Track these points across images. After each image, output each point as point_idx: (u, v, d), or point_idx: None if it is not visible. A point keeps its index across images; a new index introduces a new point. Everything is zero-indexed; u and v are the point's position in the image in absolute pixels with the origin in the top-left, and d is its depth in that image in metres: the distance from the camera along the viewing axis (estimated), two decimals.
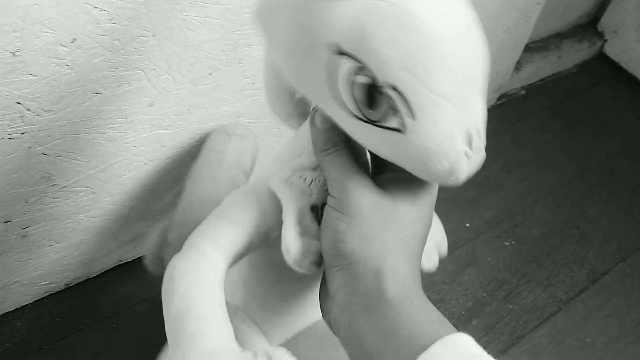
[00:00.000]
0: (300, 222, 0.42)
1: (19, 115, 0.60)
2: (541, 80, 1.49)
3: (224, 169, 0.70)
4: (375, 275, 0.37)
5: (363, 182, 0.39)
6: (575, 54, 1.51)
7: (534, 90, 1.46)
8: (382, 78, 0.32)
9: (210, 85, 0.73)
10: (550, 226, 1.14)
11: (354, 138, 0.38)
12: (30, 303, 0.87)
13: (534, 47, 1.42)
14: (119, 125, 0.70)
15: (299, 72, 0.37)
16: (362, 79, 0.32)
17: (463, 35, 0.33)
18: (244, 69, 0.75)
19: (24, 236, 0.75)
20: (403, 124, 0.33)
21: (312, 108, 0.42)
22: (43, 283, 0.85)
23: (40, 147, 0.65)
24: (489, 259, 1.06)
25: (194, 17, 0.65)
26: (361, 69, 0.32)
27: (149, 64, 0.65)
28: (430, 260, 0.56)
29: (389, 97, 0.32)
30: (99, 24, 0.58)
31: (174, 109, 0.73)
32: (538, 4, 1.16)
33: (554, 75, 1.51)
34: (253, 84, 0.78)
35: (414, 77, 0.31)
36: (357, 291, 0.37)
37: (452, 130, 0.33)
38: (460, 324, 0.95)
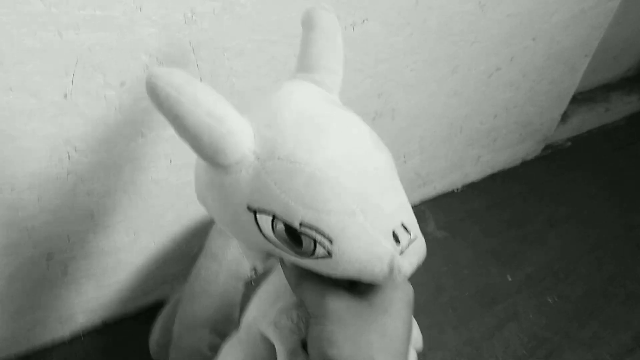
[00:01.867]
0: None
1: (67, 155, 0.62)
2: (588, 132, 1.47)
3: (220, 284, 0.72)
4: None
5: (338, 293, 0.41)
6: (623, 106, 1.49)
7: (580, 141, 1.44)
8: (290, 220, 0.36)
9: None
10: (594, 284, 1.10)
11: (307, 268, 0.42)
12: (67, 339, 0.88)
13: (581, 99, 1.40)
14: (163, 167, 0.71)
15: (241, 235, 0.42)
16: (280, 226, 0.37)
17: (348, 155, 0.37)
18: None
19: (65, 272, 0.76)
20: (328, 250, 0.37)
21: None
22: (81, 319, 0.86)
23: (85, 187, 0.66)
24: (530, 315, 1.03)
25: (240, 66, 0.66)
26: (274, 218, 0.37)
27: None
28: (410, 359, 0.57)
29: (304, 233, 0.36)
30: (147, 69, 0.59)
31: None
32: (586, 56, 1.15)
33: (601, 127, 1.49)
34: None
35: (311, 209, 0.36)
36: None
37: (373, 236, 0.37)
38: None
